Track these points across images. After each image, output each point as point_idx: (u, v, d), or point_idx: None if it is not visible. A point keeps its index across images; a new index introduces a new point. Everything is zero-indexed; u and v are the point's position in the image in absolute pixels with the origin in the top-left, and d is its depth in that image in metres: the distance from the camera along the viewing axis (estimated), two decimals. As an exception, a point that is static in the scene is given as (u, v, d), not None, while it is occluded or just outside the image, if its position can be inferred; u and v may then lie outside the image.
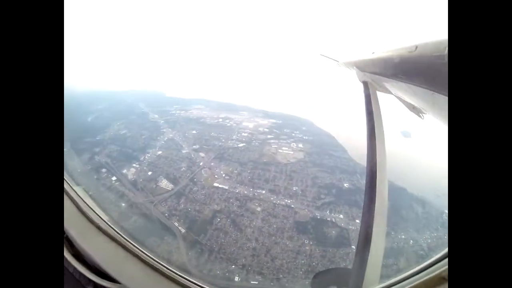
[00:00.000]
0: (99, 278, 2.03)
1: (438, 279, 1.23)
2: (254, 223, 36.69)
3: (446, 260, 1.31)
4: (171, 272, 2.06)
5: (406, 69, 2.46)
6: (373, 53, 3.78)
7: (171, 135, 63.13)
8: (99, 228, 2.15)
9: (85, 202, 2.23)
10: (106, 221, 2.25)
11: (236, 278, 29.37)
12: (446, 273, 1.20)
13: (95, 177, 44.47)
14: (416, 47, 2.10)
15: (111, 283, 2.02)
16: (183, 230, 34.85)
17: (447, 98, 1.67)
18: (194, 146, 58.09)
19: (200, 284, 2.10)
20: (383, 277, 2.22)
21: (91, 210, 2.21)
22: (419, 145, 74.68)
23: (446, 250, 1.35)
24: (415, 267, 1.55)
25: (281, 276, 29.57)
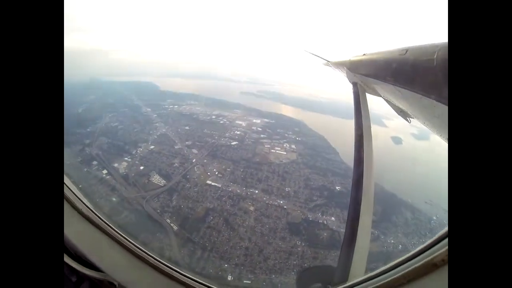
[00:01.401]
0: (82, 267, 1.98)
1: (430, 265, 1.25)
2: (247, 223, 36.64)
3: (437, 246, 1.33)
4: (155, 261, 2.05)
5: (395, 72, 2.51)
6: (363, 54, 3.84)
7: (163, 130, 62.61)
8: (81, 214, 2.11)
9: (68, 187, 2.18)
10: (90, 207, 2.21)
11: (229, 277, 29.31)
12: (438, 259, 1.22)
13: (85, 169, 43.79)
14: (406, 50, 2.14)
15: (94, 271, 1.98)
16: (175, 228, 34.53)
17: (434, 102, 1.72)
18: (187, 142, 57.74)
19: (184, 273, 2.10)
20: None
21: (74, 195, 2.17)
22: (410, 151, 75.61)
23: (435, 236, 1.38)
24: (404, 255, 1.56)
25: (273, 276, 29.60)
